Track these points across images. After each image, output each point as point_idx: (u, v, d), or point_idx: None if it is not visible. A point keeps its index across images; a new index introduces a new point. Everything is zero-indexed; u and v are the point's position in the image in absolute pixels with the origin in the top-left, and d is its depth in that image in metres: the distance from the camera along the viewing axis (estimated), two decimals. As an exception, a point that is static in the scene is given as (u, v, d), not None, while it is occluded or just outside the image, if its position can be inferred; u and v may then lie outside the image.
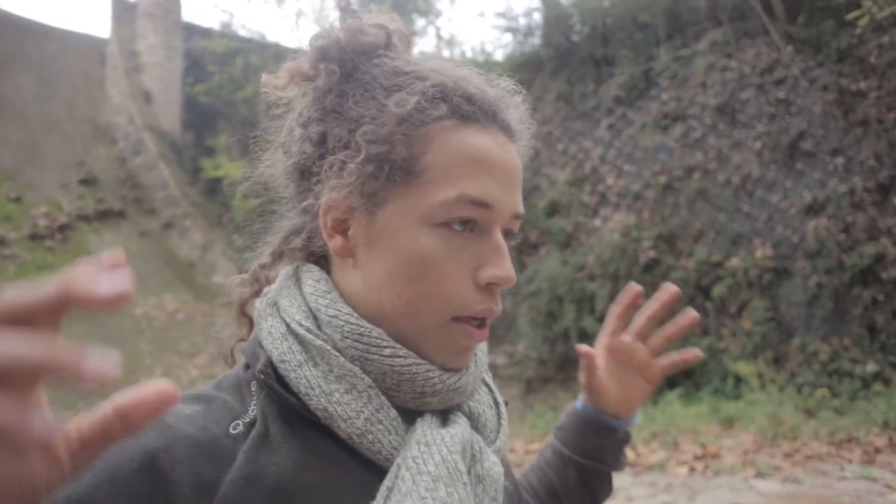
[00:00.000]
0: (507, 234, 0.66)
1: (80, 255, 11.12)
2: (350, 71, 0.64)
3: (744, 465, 4.83)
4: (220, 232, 12.17)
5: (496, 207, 0.61)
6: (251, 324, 0.70)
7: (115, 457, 0.51)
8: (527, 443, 6.48)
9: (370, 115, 0.61)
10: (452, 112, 0.61)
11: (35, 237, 10.86)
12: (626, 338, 0.87)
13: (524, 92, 0.72)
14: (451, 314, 0.61)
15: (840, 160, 7.51)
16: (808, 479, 4.33)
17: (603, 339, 0.89)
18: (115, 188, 13.26)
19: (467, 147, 0.60)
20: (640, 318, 0.87)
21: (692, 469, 4.94)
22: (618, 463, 0.91)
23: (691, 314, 0.84)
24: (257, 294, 0.70)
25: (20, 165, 12.32)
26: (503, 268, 0.61)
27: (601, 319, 8.39)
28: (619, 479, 5.06)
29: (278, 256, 0.72)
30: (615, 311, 0.88)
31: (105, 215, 12.50)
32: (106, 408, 0.33)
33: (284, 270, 0.69)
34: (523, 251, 9.70)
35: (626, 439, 0.90)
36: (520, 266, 9.62)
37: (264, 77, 0.69)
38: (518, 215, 0.65)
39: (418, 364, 0.60)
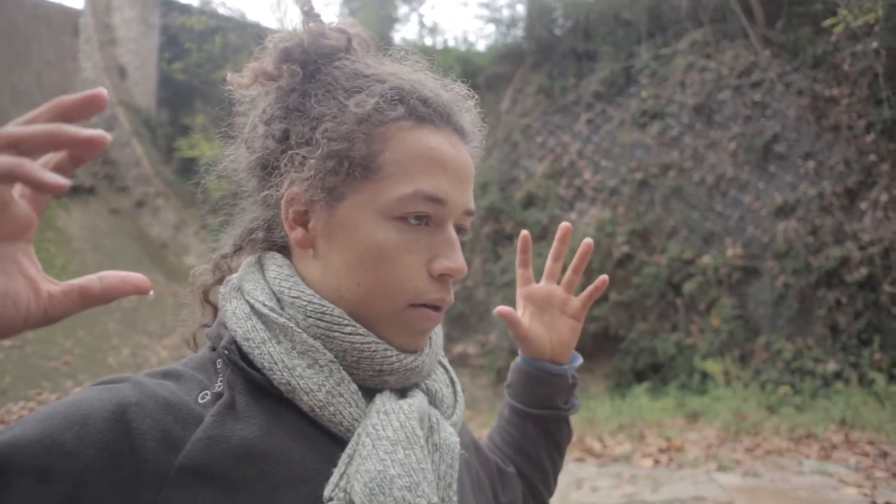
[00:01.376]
0: (459, 229, 0.70)
1: (49, 231, 10.89)
2: (312, 72, 0.67)
3: (707, 459, 4.94)
4: (193, 212, 12.00)
5: (449, 203, 0.65)
6: (214, 310, 0.74)
7: (88, 403, 0.53)
8: (496, 432, 6.54)
9: (331, 113, 0.64)
10: (409, 113, 0.65)
11: (1, 211, 10.60)
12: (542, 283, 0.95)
13: (476, 97, 0.75)
14: (407, 301, 0.65)
15: (811, 164, 7.67)
16: (768, 474, 4.45)
17: (518, 292, 0.96)
18: (87, 164, 12.98)
19: (423, 146, 0.64)
20: (548, 262, 0.95)
21: (657, 461, 5.04)
22: (570, 405, 0.96)
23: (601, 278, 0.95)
24: (220, 281, 0.73)
25: (-13, 137, 11.99)
26: (455, 259, 0.65)
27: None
28: (585, 470, 5.12)
29: (240, 247, 0.75)
30: (517, 261, 0.95)
31: (75, 191, 12.24)
32: (93, 277, 0.44)
33: (248, 259, 0.72)
34: (498, 242, 9.75)
35: (574, 382, 0.94)
36: (495, 257, 9.66)
37: (229, 76, 0.72)
38: (469, 211, 0.69)
39: (377, 343, 0.64)
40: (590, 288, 0.94)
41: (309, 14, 0.70)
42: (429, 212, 0.64)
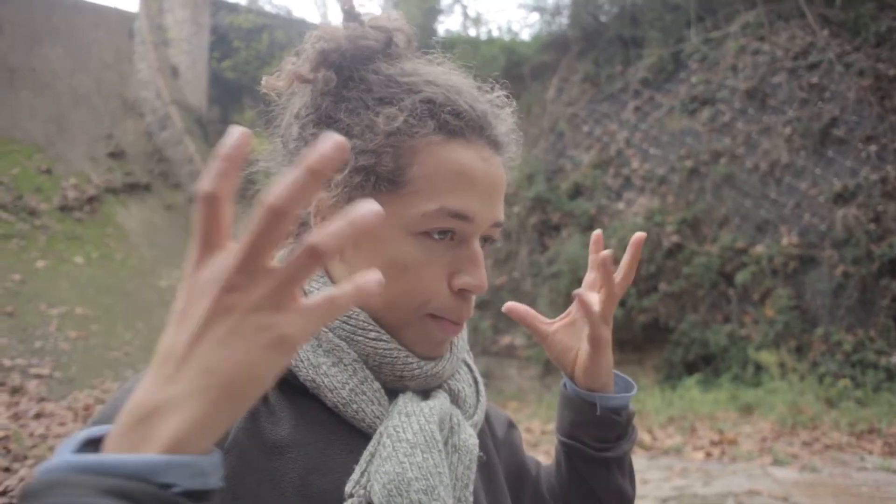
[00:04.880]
0: (487, 239, 0.70)
1: (109, 227, 11.32)
2: (346, 79, 0.67)
3: (761, 453, 4.81)
4: (244, 207, 12.27)
5: (475, 220, 0.65)
6: None
7: None
8: (543, 423, 6.52)
9: (360, 127, 0.64)
10: (440, 127, 0.64)
11: (65, 208, 11.06)
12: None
13: (514, 103, 0.74)
14: (427, 311, 0.65)
15: (873, 147, 7.34)
16: (827, 469, 4.30)
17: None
18: (143, 162, 13.44)
19: (452, 162, 0.64)
20: (588, 275, 0.87)
21: (709, 454, 4.94)
22: (606, 446, 0.81)
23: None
24: None
25: (51, 138, 12.52)
26: (476, 276, 0.65)
27: (622, 303, 8.32)
28: (635, 462, 5.09)
29: None
30: (590, 261, 0.87)
31: (132, 188, 12.68)
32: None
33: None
34: (545, 233, 9.67)
35: (607, 418, 0.80)
36: (541, 248, 9.59)
37: (264, 79, 0.72)
38: (498, 223, 0.68)
39: (399, 349, 0.65)
40: (578, 309, 0.81)
41: (349, 14, 0.69)
42: (454, 227, 0.64)
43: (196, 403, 0.37)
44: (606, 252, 0.78)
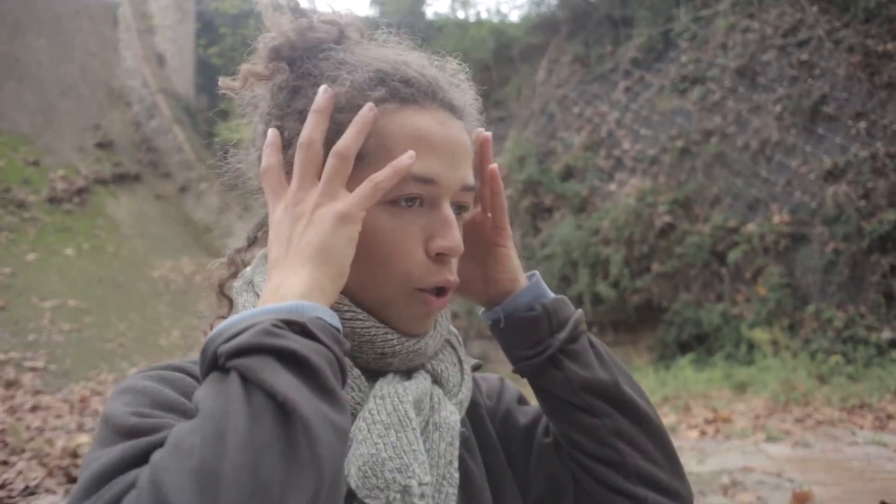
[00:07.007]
0: (461, 206, 0.69)
1: (99, 218, 11.24)
2: (300, 68, 0.68)
3: (755, 430, 4.87)
4: (235, 195, 12.21)
5: (440, 182, 0.65)
6: (230, 303, 0.76)
7: (179, 384, 0.60)
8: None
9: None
10: (391, 95, 0.65)
11: (54, 200, 10.97)
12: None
13: (468, 70, 0.74)
14: (413, 286, 0.65)
15: (863, 124, 7.36)
16: (819, 444, 4.36)
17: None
18: (131, 152, 13.32)
19: (407, 127, 0.64)
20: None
21: (703, 432, 4.99)
22: (540, 347, 0.73)
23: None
24: (234, 275, 0.76)
25: (37, 129, 12.38)
26: (450, 238, 0.65)
27: (615, 284, 8.35)
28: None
29: (253, 241, 0.79)
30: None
31: (122, 179, 12.58)
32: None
33: (260, 252, 0.75)
34: (537, 215, 9.67)
35: (527, 316, 0.74)
36: (534, 230, 9.60)
37: (220, 81, 0.74)
38: (467, 187, 0.68)
39: (377, 327, 0.65)
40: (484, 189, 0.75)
41: (295, 10, 0.71)
42: (420, 193, 0.64)
43: (304, 269, 0.57)
44: (493, 166, 0.75)
